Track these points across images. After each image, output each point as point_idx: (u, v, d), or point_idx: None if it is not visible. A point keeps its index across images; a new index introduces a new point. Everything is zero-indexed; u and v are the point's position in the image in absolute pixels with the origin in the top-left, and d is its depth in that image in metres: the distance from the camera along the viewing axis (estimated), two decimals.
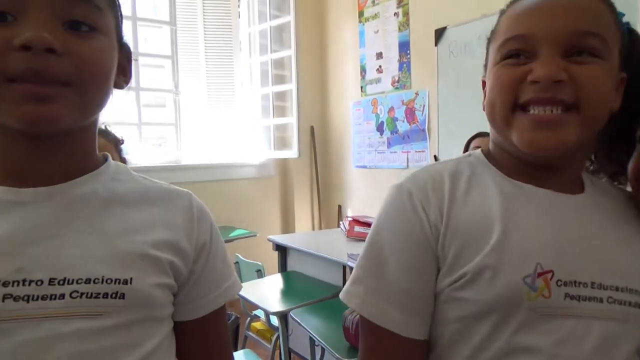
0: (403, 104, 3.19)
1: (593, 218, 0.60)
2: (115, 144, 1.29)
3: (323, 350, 1.91)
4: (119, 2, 0.60)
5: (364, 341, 0.63)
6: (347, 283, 0.63)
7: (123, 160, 1.28)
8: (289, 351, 2.11)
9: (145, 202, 0.62)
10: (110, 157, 0.63)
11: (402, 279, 0.58)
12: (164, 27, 3.46)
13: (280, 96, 3.74)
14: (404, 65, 3.18)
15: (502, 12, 0.64)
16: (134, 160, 3.21)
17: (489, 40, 0.65)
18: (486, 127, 0.68)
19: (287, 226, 3.76)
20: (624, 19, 0.60)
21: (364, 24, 3.48)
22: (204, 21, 3.66)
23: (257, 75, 3.75)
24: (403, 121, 3.21)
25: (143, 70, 3.37)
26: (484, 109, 0.64)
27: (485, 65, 0.66)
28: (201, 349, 0.67)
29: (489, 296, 0.54)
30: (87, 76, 0.52)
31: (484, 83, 0.66)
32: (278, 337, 2.09)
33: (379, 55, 3.37)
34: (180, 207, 0.64)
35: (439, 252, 0.58)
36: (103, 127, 1.27)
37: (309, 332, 1.72)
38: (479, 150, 0.67)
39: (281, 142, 3.65)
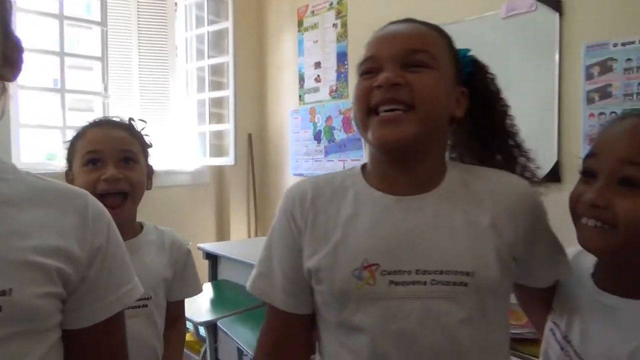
0: (340, 113, 3.22)
1: (434, 212, 0.70)
2: (142, 144, 1.08)
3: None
4: None
5: (266, 317, 0.79)
6: (251, 275, 0.78)
7: (149, 168, 1.10)
8: None
9: (34, 204, 0.57)
10: None
11: (283, 270, 0.74)
12: (95, 27, 3.29)
13: (217, 103, 3.66)
14: (342, 75, 3.21)
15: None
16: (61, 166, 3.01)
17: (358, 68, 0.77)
18: None
19: (222, 234, 3.66)
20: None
21: (303, 34, 3.49)
22: (138, 23, 3.53)
23: (193, 80, 3.66)
24: (340, 130, 3.23)
25: (69, 72, 3.18)
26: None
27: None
28: (94, 358, 0.62)
29: (330, 289, 0.69)
30: None
31: None
32: (206, 349, 2.01)
33: (318, 65, 3.38)
34: (74, 209, 0.59)
35: (302, 248, 0.73)
36: (127, 120, 1.10)
37: (237, 342, 1.66)
38: (360, 164, 0.80)
39: (217, 149, 3.56)
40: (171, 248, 1.10)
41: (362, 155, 3.08)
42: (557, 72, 2.20)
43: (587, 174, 0.69)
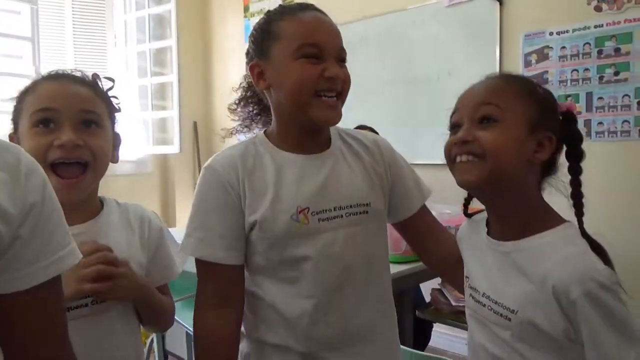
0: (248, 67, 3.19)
1: (334, 164, 0.91)
2: (109, 106, 0.88)
3: None
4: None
5: (200, 277, 0.89)
6: (182, 241, 0.88)
7: (116, 136, 0.90)
8: (165, 353, 1.96)
9: None
10: None
11: (223, 231, 0.86)
12: (23, 5, 3.07)
13: (160, 89, 3.53)
14: None
15: (280, 18, 0.88)
16: None
17: (266, 39, 0.88)
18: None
19: (167, 223, 3.55)
20: None
21: (249, 19, 3.43)
22: (72, 2, 3.33)
23: (133, 65, 3.51)
24: None
25: None
26: (264, 88, 0.89)
27: (261, 52, 0.88)
28: (26, 326, 0.56)
29: (275, 233, 0.85)
30: None
31: (252, 67, 0.89)
32: (152, 340, 1.94)
33: None
34: (5, 164, 0.53)
35: (243, 209, 0.87)
36: (90, 77, 0.88)
37: (185, 327, 1.61)
38: (262, 132, 0.94)
39: (161, 138, 3.44)
40: (140, 227, 0.91)
41: None
42: (497, 60, 2.29)
43: (454, 127, 0.82)
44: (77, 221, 0.81)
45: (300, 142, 0.90)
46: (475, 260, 0.86)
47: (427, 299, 1.82)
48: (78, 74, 0.87)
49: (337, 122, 0.90)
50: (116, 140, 0.90)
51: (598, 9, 2.02)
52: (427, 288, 1.71)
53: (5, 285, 0.54)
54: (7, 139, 0.82)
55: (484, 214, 0.88)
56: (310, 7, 0.90)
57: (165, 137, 3.43)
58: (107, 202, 0.90)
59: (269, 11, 0.93)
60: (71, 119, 0.79)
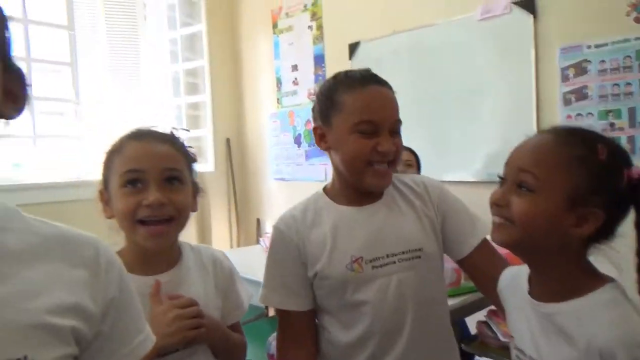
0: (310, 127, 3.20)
1: (386, 213, 1.00)
2: (187, 157, 0.94)
3: None
4: (6, 22, 0.53)
5: (278, 322, 1.04)
6: (262, 293, 1.02)
7: (195, 185, 0.95)
8: None
9: (42, 257, 0.52)
10: None
11: (287, 280, 0.99)
12: (61, 31, 3.18)
13: (194, 107, 3.61)
14: (320, 77, 3.21)
15: (344, 91, 0.96)
16: (31, 179, 2.91)
17: (330, 108, 0.97)
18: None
19: (204, 241, 3.61)
20: None
21: (278, 36, 3.46)
22: (106, 25, 3.43)
23: (168, 84, 3.59)
24: None
25: (36, 75, 3.07)
26: (324, 149, 1.01)
27: (324, 121, 0.99)
28: None
29: (332, 281, 0.96)
30: None
31: (316, 129, 1.01)
32: None
33: (295, 68, 3.36)
34: (84, 260, 0.55)
35: (302, 259, 0.99)
36: (169, 131, 0.95)
37: None
38: (321, 190, 1.06)
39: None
40: (214, 270, 0.97)
41: None
42: (533, 74, 2.25)
43: (501, 180, 0.82)
44: (162, 269, 0.91)
45: (355, 197, 1.01)
46: (519, 318, 0.84)
47: (472, 330, 1.80)
48: (158, 129, 0.93)
49: (386, 187, 1.00)
50: (195, 189, 0.96)
51: (638, 20, 1.96)
52: (472, 320, 1.69)
53: None
54: (97, 194, 0.92)
55: (522, 268, 0.85)
56: (372, 80, 0.98)
57: (199, 155, 3.49)
58: (183, 248, 0.97)
59: (335, 76, 1.01)
60: (156, 178, 0.86)
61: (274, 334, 1.68)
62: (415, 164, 2.22)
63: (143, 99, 3.57)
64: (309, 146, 3.30)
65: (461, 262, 1.04)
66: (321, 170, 3.22)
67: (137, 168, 0.85)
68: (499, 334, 1.45)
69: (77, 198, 2.84)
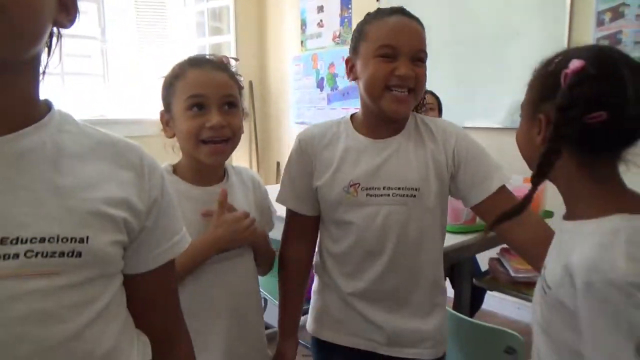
0: (344, 59, 3.16)
1: (394, 150, 1.03)
2: (239, 86, 1.03)
3: (265, 300, 1.93)
4: None
5: (286, 219, 1.15)
6: (278, 192, 1.14)
7: (243, 110, 1.06)
8: None
9: (95, 157, 0.59)
10: (54, 105, 0.59)
11: (298, 186, 1.10)
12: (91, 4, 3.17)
13: (217, 49, 3.59)
14: (345, 19, 3.14)
15: (371, 21, 1.02)
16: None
17: (358, 38, 1.03)
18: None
19: None
20: None
21: None
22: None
23: (192, 25, 3.57)
24: (343, 77, 3.19)
25: None
26: (351, 79, 1.05)
27: (354, 52, 1.04)
28: (149, 300, 0.67)
29: (329, 199, 1.05)
30: (14, 3, 0.48)
31: (348, 61, 1.06)
32: None
33: (320, 9, 3.29)
34: (131, 163, 0.62)
35: (313, 172, 1.08)
36: (223, 58, 1.04)
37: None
38: (349, 115, 1.11)
39: None
40: (253, 187, 1.11)
41: None
42: (567, 18, 2.16)
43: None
44: (212, 182, 1.03)
45: (376, 128, 1.05)
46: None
47: (483, 267, 1.84)
48: (214, 58, 1.02)
49: (405, 116, 1.03)
50: (243, 113, 1.06)
51: None
52: (485, 257, 1.73)
53: (132, 268, 0.63)
54: (157, 116, 1.01)
55: None
56: (399, 11, 1.02)
57: None
58: (227, 167, 1.08)
59: (369, 13, 1.06)
60: (217, 103, 0.95)
61: None
62: (437, 107, 2.20)
63: (167, 40, 3.57)
64: (331, 90, 3.28)
65: (477, 209, 1.06)
66: (343, 115, 3.21)
67: (200, 93, 0.94)
68: (510, 270, 1.48)
69: None
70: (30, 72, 0.55)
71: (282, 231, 1.15)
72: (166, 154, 1.02)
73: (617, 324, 0.65)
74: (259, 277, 1.15)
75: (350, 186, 1.03)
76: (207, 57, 1.02)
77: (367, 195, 1.02)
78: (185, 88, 0.95)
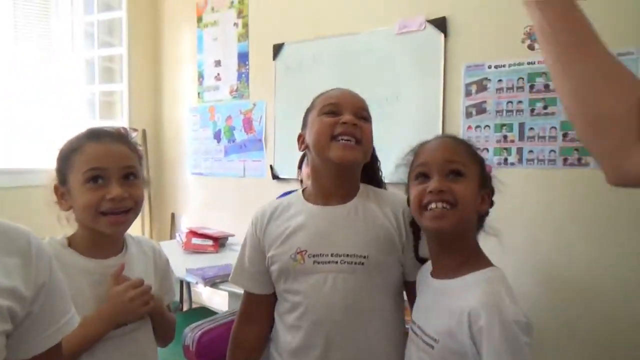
0: (241, 113, 3.23)
1: (344, 217, 1.04)
2: (139, 156, 1.03)
3: None
4: None
5: (242, 299, 1.15)
6: (232, 272, 1.16)
7: (144, 179, 1.04)
8: None
9: None
10: None
11: (250, 265, 1.11)
12: None
13: (109, 95, 3.46)
14: (243, 75, 3.23)
15: (316, 98, 1.11)
16: None
17: (307, 112, 1.11)
18: None
19: None
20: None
21: (202, 30, 3.43)
22: (13, 2, 3.19)
23: (82, 71, 3.41)
24: (240, 130, 3.24)
25: None
26: (302, 150, 1.10)
27: (304, 126, 1.10)
28: None
29: (278, 268, 1.05)
30: None
31: (300, 137, 1.11)
32: None
33: (218, 63, 3.36)
34: (17, 250, 0.62)
35: (262, 249, 1.09)
36: (122, 130, 1.03)
37: None
38: (301, 190, 1.13)
39: None
40: (153, 257, 1.10)
41: (263, 156, 3.13)
42: (442, 88, 2.45)
43: (421, 177, 0.95)
44: (110, 254, 1.01)
45: (325, 192, 1.07)
46: (419, 296, 1.00)
47: None
48: (110, 129, 1.02)
49: (353, 160, 1.02)
50: (144, 182, 1.07)
51: (531, 47, 2.22)
52: None
53: (18, 353, 0.62)
54: (52, 188, 0.99)
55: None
56: (341, 88, 1.12)
57: None
58: (126, 237, 1.07)
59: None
60: (116, 175, 0.96)
61: (191, 326, 1.70)
62: None
63: (53, 84, 3.36)
64: (228, 142, 3.31)
65: (406, 285, 1.08)
66: (240, 167, 3.24)
67: (99, 166, 0.95)
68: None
69: None
70: None
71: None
72: (60, 225, 0.98)
73: (515, 354, 0.77)
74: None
75: (297, 253, 1.02)
76: (106, 129, 1.02)
77: (314, 262, 1.01)
78: (83, 161, 0.94)
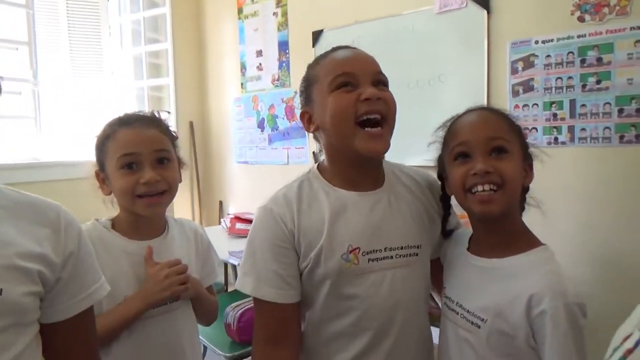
0: (283, 101, 3.26)
1: (388, 204, 0.92)
2: (172, 138, 1.04)
3: (205, 347, 1.90)
4: None
5: (257, 313, 0.92)
6: (238, 277, 0.92)
7: (179, 160, 1.07)
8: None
9: (13, 216, 0.64)
10: None
11: (275, 267, 0.87)
12: (19, 9, 3.10)
13: (156, 90, 3.59)
14: (284, 64, 3.25)
15: (316, 63, 0.93)
16: None
17: (308, 86, 0.92)
18: None
19: None
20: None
21: (243, 21, 3.48)
22: (67, 5, 3.36)
23: (129, 66, 3.55)
24: (283, 118, 3.28)
25: None
26: (312, 131, 0.93)
27: (308, 102, 0.93)
28: (67, 348, 0.71)
29: (325, 271, 0.87)
30: None
31: (304, 114, 0.94)
32: None
33: (259, 53, 3.39)
34: (48, 220, 0.67)
35: (296, 247, 0.89)
36: (155, 113, 1.05)
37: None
38: (315, 167, 0.96)
39: None
40: (195, 239, 1.11)
41: (306, 143, 3.16)
42: (486, 66, 2.37)
43: (460, 157, 0.87)
44: (152, 236, 1.03)
45: (351, 177, 0.91)
46: (453, 271, 0.95)
47: None
48: (144, 114, 1.04)
49: (383, 152, 0.89)
50: (180, 164, 1.08)
51: (581, 19, 2.10)
52: None
53: (50, 316, 0.68)
54: (93, 174, 1.03)
55: (465, 231, 0.98)
56: (342, 47, 0.93)
57: None
58: (168, 220, 1.09)
59: (309, 63, 0.97)
60: (149, 159, 0.97)
61: (232, 305, 1.76)
62: None
63: (104, 81, 3.52)
64: (271, 130, 3.35)
65: (435, 260, 1.02)
66: (283, 154, 3.28)
67: (132, 152, 0.97)
68: (440, 304, 1.57)
69: (34, 180, 2.81)
70: None
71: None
72: (102, 202, 1.03)
73: (582, 342, 0.76)
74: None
75: (350, 252, 0.87)
76: (138, 114, 1.04)
77: (369, 260, 0.88)
78: (116, 147, 0.97)
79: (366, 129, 0.86)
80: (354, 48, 0.93)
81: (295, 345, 0.91)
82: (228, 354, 1.75)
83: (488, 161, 0.83)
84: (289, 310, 0.89)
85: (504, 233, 0.87)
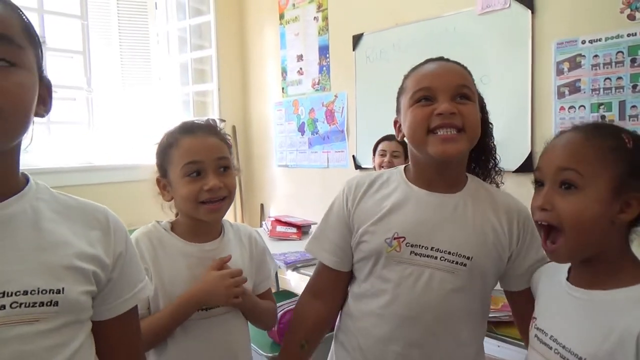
0: (323, 105, 3.30)
1: (453, 209, 0.94)
2: (229, 146, 1.08)
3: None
4: (39, 41, 0.66)
5: (315, 269, 1.08)
6: (309, 238, 1.08)
7: (237, 168, 1.12)
8: None
9: (67, 219, 0.69)
10: (31, 178, 0.68)
11: (333, 238, 1.02)
12: (75, 20, 3.28)
13: (201, 94, 3.70)
14: (324, 68, 3.29)
15: (408, 75, 0.99)
16: (43, 163, 3.02)
17: (399, 94, 1.00)
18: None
19: None
20: None
21: (284, 26, 3.54)
22: (118, 15, 3.52)
23: (176, 73, 3.68)
24: (323, 122, 3.31)
25: (50, 62, 3.17)
26: (400, 139, 1.01)
27: (398, 111, 1.01)
28: (114, 344, 0.75)
29: (368, 248, 0.95)
30: (8, 107, 0.57)
31: (395, 122, 1.01)
32: None
33: (300, 58, 3.44)
34: (98, 223, 0.71)
35: (350, 224, 1.00)
36: (211, 122, 1.08)
37: None
38: (402, 166, 1.04)
39: None
40: (249, 244, 1.13)
41: (345, 147, 3.17)
42: (530, 67, 2.32)
43: (538, 184, 0.82)
44: (209, 239, 1.07)
45: (427, 178, 0.97)
46: (548, 302, 0.86)
47: None
48: (203, 122, 1.08)
49: (455, 154, 0.90)
50: (236, 170, 1.12)
51: (631, 17, 2.03)
52: None
53: (100, 314, 0.72)
54: (154, 181, 1.07)
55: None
56: (436, 59, 0.99)
57: None
58: (224, 224, 1.12)
59: (405, 74, 1.02)
60: (212, 167, 1.02)
61: (280, 303, 1.80)
62: (402, 154, 2.28)
63: (152, 87, 3.67)
64: (312, 134, 3.39)
65: (511, 294, 1.00)
66: (323, 158, 3.32)
67: (196, 160, 1.01)
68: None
69: (87, 182, 2.97)
70: (15, 152, 0.65)
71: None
72: (154, 205, 1.08)
73: None
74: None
75: (394, 239, 0.92)
76: (197, 122, 1.07)
77: (411, 252, 0.91)
78: (180, 155, 1.01)
79: (438, 133, 0.90)
80: (445, 60, 0.99)
81: (330, 304, 1.05)
82: (269, 354, 1.80)
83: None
84: (337, 275, 1.02)
85: (602, 263, 0.77)
